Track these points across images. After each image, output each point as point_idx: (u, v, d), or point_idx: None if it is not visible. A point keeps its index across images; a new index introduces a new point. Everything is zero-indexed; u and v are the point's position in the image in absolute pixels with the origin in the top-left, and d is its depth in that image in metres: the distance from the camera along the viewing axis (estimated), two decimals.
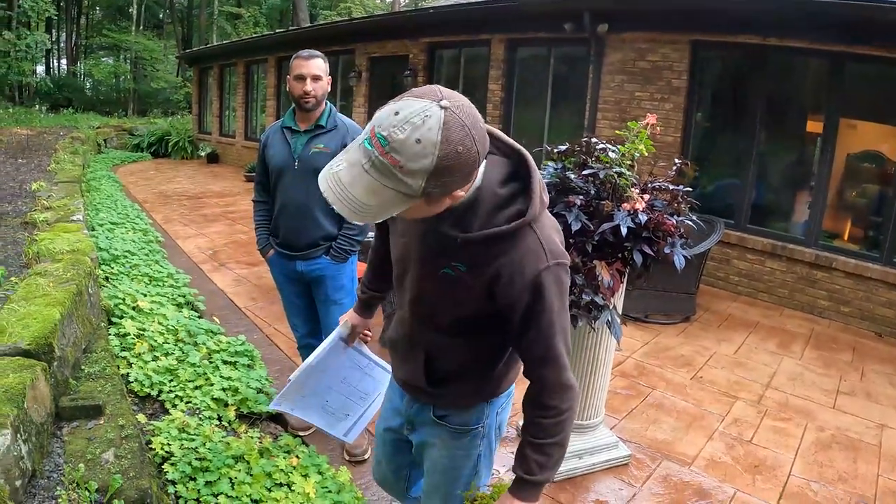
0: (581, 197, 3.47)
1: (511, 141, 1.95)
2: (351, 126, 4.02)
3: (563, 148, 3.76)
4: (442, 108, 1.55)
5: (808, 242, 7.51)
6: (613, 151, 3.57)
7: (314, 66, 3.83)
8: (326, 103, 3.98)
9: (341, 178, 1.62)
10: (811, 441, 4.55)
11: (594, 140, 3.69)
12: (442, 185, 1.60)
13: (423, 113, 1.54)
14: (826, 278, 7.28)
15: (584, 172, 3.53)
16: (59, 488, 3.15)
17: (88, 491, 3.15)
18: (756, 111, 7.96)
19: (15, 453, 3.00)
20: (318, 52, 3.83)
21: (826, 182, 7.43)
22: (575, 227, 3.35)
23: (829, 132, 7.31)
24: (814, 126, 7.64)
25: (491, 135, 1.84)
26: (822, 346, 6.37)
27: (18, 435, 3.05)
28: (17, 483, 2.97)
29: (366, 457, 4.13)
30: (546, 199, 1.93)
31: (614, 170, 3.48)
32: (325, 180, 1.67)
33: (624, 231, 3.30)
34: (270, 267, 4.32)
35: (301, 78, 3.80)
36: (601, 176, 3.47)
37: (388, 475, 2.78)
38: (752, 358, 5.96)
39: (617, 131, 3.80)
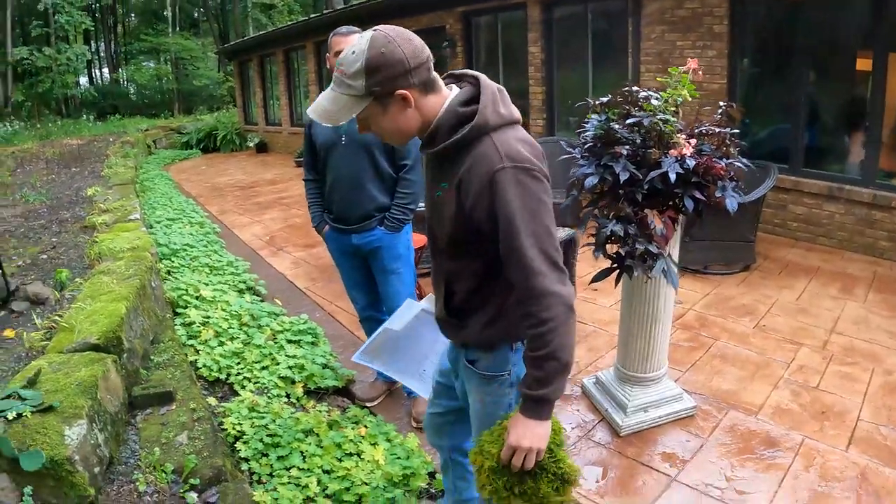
0: (627, 147, 3.42)
1: (478, 73, 2.16)
2: None
3: (605, 99, 3.69)
4: (373, 31, 1.99)
5: (865, 182, 7.26)
6: (656, 99, 3.52)
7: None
8: None
9: (318, 99, 2.09)
10: (879, 385, 4.44)
11: (636, 89, 3.63)
12: (378, 83, 1.96)
13: (362, 38, 1.99)
14: (886, 218, 7.04)
15: (628, 121, 3.49)
16: (136, 472, 3.26)
17: (165, 472, 3.26)
18: (802, 52, 7.72)
19: (92, 442, 3.10)
20: (355, 28, 3.83)
21: (880, 120, 7.16)
22: (623, 176, 3.31)
23: (879, 68, 7.04)
24: (863, 63, 7.37)
25: (465, 74, 2.17)
26: (885, 289, 6.18)
27: (94, 424, 3.16)
28: (96, 470, 3.07)
29: None
30: (506, 113, 2.07)
31: (658, 117, 3.42)
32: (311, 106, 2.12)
33: (672, 177, 3.25)
34: (326, 242, 4.37)
35: (340, 54, 3.81)
36: (645, 124, 3.42)
37: (432, 423, 2.87)
38: (814, 304, 5.82)
39: (658, 78, 3.75)
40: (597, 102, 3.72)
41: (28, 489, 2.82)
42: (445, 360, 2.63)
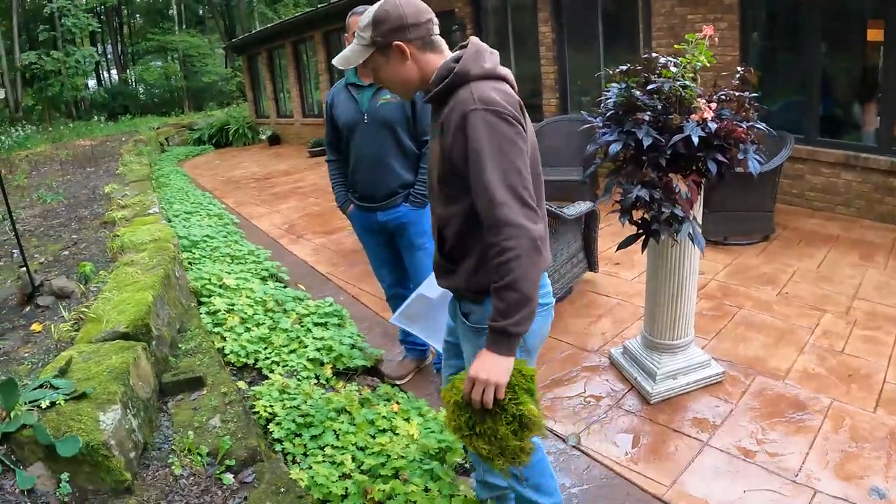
0: (648, 113, 3.43)
1: (472, 38, 2.35)
2: None
3: (624, 68, 3.70)
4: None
5: (881, 150, 7.18)
6: (675, 65, 3.53)
7: None
8: None
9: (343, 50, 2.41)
10: None
11: (655, 55, 3.64)
12: (381, 35, 2.25)
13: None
14: None
15: (649, 88, 3.49)
16: (171, 456, 3.27)
17: (200, 455, 3.27)
18: (814, 23, 7.63)
19: (126, 427, 3.12)
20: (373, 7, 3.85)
21: (894, 87, 7.08)
22: (647, 142, 3.32)
23: (892, 35, 6.96)
24: (874, 34, 7.30)
25: (468, 41, 2.32)
26: None
27: (127, 410, 3.18)
28: (131, 455, 3.09)
29: None
30: (489, 66, 2.22)
31: (678, 82, 3.44)
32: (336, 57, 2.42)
33: (695, 140, 3.26)
34: (352, 222, 4.38)
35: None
36: (666, 89, 3.43)
37: (443, 381, 2.89)
38: (835, 271, 5.82)
39: (676, 45, 3.74)
40: (616, 71, 3.70)
41: (65, 475, 2.84)
42: (450, 318, 2.72)
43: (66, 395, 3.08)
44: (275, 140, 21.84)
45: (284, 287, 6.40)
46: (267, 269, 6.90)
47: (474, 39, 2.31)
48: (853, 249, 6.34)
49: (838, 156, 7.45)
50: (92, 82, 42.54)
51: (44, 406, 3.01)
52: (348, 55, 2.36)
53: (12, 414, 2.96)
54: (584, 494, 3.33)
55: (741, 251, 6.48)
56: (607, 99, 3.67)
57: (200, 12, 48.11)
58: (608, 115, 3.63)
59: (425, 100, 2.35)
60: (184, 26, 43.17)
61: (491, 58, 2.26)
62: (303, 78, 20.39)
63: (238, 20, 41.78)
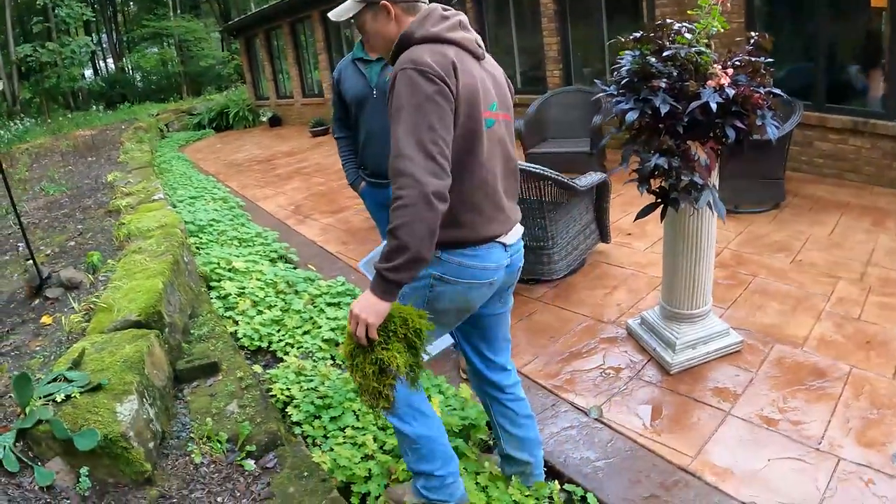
0: (664, 80, 3.35)
1: (433, 5, 2.50)
2: None
3: (637, 35, 3.60)
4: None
5: (889, 115, 7.04)
6: (689, 31, 3.45)
7: None
8: None
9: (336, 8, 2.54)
10: None
11: (669, 21, 3.56)
12: None
13: None
14: None
15: (665, 54, 3.40)
16: (190, 444, 3.24)
17: (220, 442, 3.24)
18: None
19: (144, 416, 3.09)
20: None
21: None
22: (664, 109, 3.24)
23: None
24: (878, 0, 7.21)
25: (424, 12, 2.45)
26: None
27: (144, 399, 3.14)
28: (150, 445, 3.06)
29: None
30: (433, 29, 2.34)
31: (693, 49, 3.36)
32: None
33: (713, 107, 3.18)
34: (363, 199, 4.33)
35: None
36: (682, 55, 3.35)
37: None
38: (847, 238, 5.75)
39: (689, 11, 3.66)
40: (629, 38, 3.62)
41: (84, 469, 2.81)
42: None
43: (81, 387, 3.05)
44: (275, 121, 21.77)
45: (294, 268, 6.36)
46: (276, 251, 6.86)
47: (431, 5, 2.48)
48: (864, 216, 6.27)
49: (846, 122, 7.34)
50: (88, 72, 42.32)
51: (59, 400, 2.97)
52: (339, 10, 2.52)
53: (27, 409, 2.92)
54: (610, 467, 3.30)
55: (753, 219, 6.41)
56: (621, 67, 3.58)
57: None
58: (623, 82, 3.54)
59: (387, 61, 2.61)
60: (178, 11, 42.93)
61: (442, 22, 2.39)
62: (301, 58, 20.26)
63: (233, 2, 41.49)
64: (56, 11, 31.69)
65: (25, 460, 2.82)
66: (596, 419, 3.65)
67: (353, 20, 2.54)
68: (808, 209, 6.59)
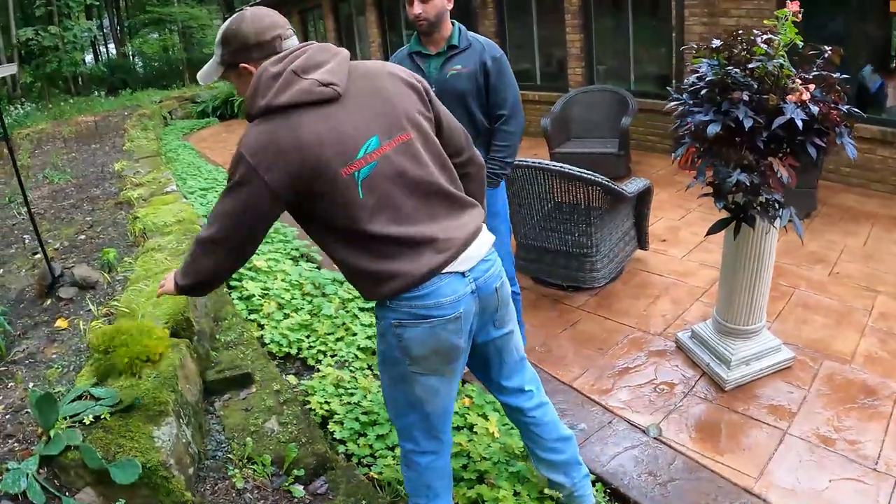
0: (746, 92, 3.20)
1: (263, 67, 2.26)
2: (487, 44, 3.76)
3: (717, 43, 3.43)
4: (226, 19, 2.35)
5: None
6: (766, 42, 3.29)
7: None
8: (454, 23, 3.73)
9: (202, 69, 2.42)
10: None
11: (756, 31, 3.39)
12: (228, 54, 2.24)
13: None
14: None
15: (750, 66, 3.26)
16: (228, 467, 3.03)
17: (263, 465, 3.02)
18: None
19: (183, 440, 2.88)
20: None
21: None
22: (747, 123, 3.10)
23: None
24: None
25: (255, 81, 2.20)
26: None
27: (181, 420, 2.93)
28: (190, 471, 2.87)
29: None
30: (262, 102, 2.11)
31: (776, 61, 3.23)
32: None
33: (799, 124, 3.05)
34: None
35: (410, 1, 3.56)
36: (769, 68, 3.22)
37: None
38: (880, 249, 5.71)
39: (766, 20, 3.48)
40: (709, 46, 3.46)
41: (121, 502, 2.57)
42: None
43: (111, 406, 2.80)
44: None
45: (318, 268, 6.11)
46: (297, 249, 6.60)
47: (262, 66, 2.18)
48: (894, 227, 6.22)
49: (875, 132, 7.23)
50: (88, 57, 42.08)
51: (87, 422, 2.74)
52: (207, 70, 2.39)
53: (52, 433, 2.66)
54: (676, 489, 3.21)
55: (786, 228, 6.25)
56: (701, 76, 3.43)
57: None
58: (702, 93, 3.38)
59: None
60: None
61: (270, 87, 2.13)
62: None
63: None
64: None
65: (52, 490, 2.56)
66: (655, 438, 3.55)
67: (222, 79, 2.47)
68: (839, 219, 6.52)
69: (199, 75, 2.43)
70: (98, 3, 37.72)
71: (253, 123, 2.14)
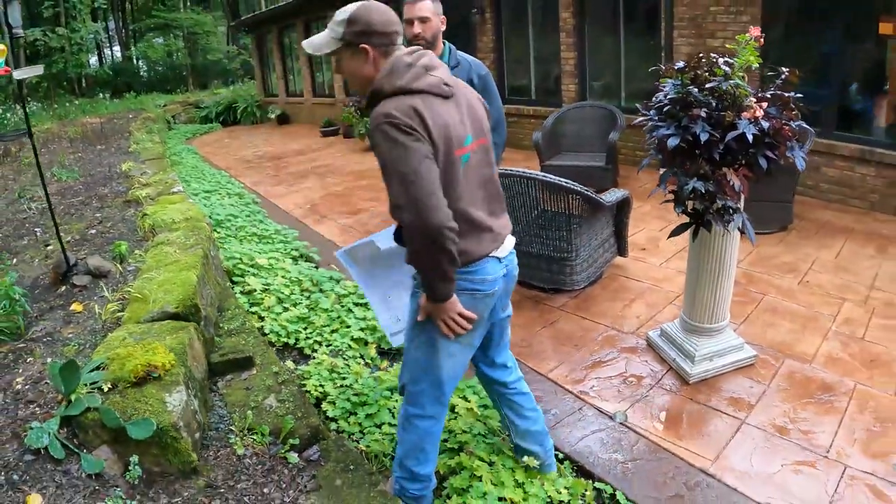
0: (704, 109, 3.53)
1: (397, 56, 2.64)
2: (474, 63, 4.09)
3: (681, 65, 3.80)
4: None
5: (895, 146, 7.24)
6: (727, 64, 3.64)
7: (420, 9, 3.96)
8: (445, 43, 4.05)
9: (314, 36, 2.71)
10: None
11: (714, 55, 3.74)
12: (351, 33, 2.54)
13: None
14: None
15: (707, 86, 3.59)
16: (230, 436, 3.32)
17: (262, 434, 3.32)
18: (833, 17, 7.65)
19: (192, 407, 3.18)
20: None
21: None
22: (703, 137, 3.44)
23: None
24: (885, 28, 7.16)
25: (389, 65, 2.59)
26: None
27: (189, 390, 3.22)
28: (196, 435, 3.16)
29: None
30: (400, 82, 2.50)
31: (732, 82, 3.55)
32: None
33: (750, 138, 3.38)
34: None
35: (409, 22, 3.90)
36: (723, 88, 3.54)
37: None
38: (853, 262, 5.93)
39: (727, 45, 3.83)
40: (674, 68, 3.81)
41: (134, 458, 2.87)
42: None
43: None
44: (284, 119, 21.83)
45: (317, 268, 6.42)
46: (297, 249, 6.92)
47: (396, 56, 2.59)
48: (869, 242, 6.43)
49: (853, 149, 7.47)
50: (93, 59, 42.23)
51: (105, 389, 3.04)
52: (318, 42, 2.65)
53: (73, 397, 2.97)
54: (637, 468, 3.48)
55: (762, 240, 6.52)
56: (665, 94, 3.77)
57: None
58: (665, 109, 3.73)
59: (363, 106, 2.67)
60: (188, 3, 42.88)
61: (406, 73, 2.53)
62: (314, 57, 20.23)
63: None
64: None
65: (71, 447, 2.87)
66: (621, 423, 3.83)
67: (331, 55, 2.68)
68: (815, 232, 6.75)
69: (307, 43, 2.68)
70: (105, 5, 37.75)
71: (387, 99, 2.47)
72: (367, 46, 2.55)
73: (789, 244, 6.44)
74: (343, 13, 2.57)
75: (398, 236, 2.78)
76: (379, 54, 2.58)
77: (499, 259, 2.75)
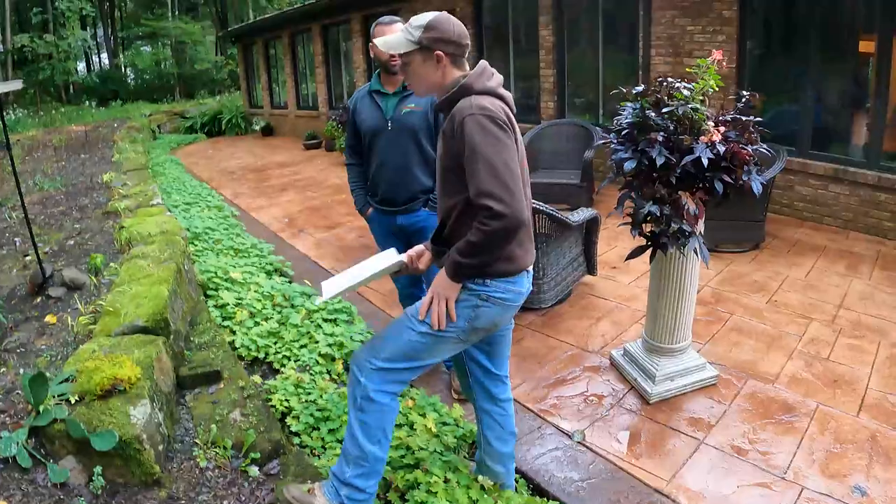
0: (661, 133, 3.62)
1: (482, 61, 2.86)
2: None
3: (640, 89, 3.90)
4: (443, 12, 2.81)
5: (869, 165, 7.37)
6: (687, 89, 3.71)
7: (394, 31, 4.01)
8: None
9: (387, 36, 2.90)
10: (885, 357, 4.65)
11: (670, 79, 3.82)
12: (428, 38, 2.68)
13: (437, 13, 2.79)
14: (890, 199, 7.16)
15: (664, 110, 3.68)
16: (195, 449, 3.39)
17: (224, 448, 3.39)
18: (809, 37, 7.81)
19: (155, 420, 3.24)
20: (397, 18, 3.99)
21: (884, 103, 7.26)
22: (660, 161, 3.52)
23: (883, 51, 7.13)
24: (866, 46, 7.45)
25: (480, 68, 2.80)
26: (889, 267, 6.36)
27: (154, 404, 3.29)
28: (160, 448, 3.22)
29: None
30: (490, 84, 2.71)
31: (690, 106, 3.63)
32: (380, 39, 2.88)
33: (705, 162, 3.46)
34: (370, 224, 4.50)
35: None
36: (679, 112, 3.62)
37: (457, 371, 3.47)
38: (822, 280, 6.02)
39: (688, 68, 3.91)
40: (633, 92, 3.91)
41: (98, 469, 2.95)
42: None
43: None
44: (268, 131, 21.87)
45: (290, 282, 6.50)
46: (271, 264, 6.99)
47: (483, 62, 2.82)
48: (840, 260, 6.55)
49: (828, 168, 7.63)
50: (80, 66, 42.21)
51: (73, 401, 3.11)
52: (392, 41, 2.79)
53: (41, 408, 3.04)
54: (591, 487, 3.52)
55: (733, 258, 6.65)
56: (623, 118, 3.87)
57: None
58: (623, 133, 3.82)
59: (436, 106, 2.95)
60: (176, 12, 42.90)
61: (493, 78, 2.76)
62: (298, 70, 20.41)
63: (231, 7, 41.53)
64: (56, 3, 31.61)
65: (38, 457, 2.96)
66: (579, 442, 3.88)
67: (401, 56, 2.83)
68: (787, 251, 6.86)
69: (382, 41, 2.85)
70: (93, 13, 37.75)
71: (475, 96, 2.63)
72: (441, 53, 2.70)
73: (761, 262, 6.55)
74: (422, 19, 2.73)
75: (437, 237, 2.94)
76: (449, 62, 2.74)
77: (528, 272, 2.89)
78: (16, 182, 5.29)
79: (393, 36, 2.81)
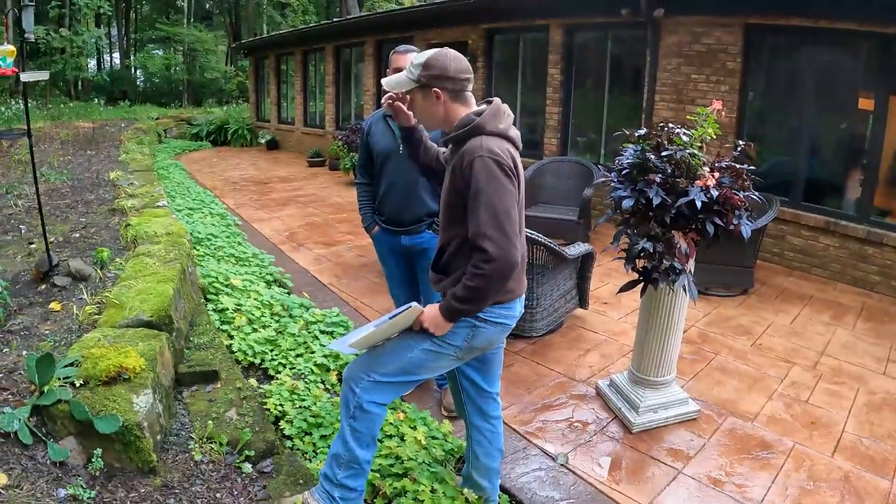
0: (659, 175, 3.81)
1: (496, 98, 2.94)
2: None
3: (642, 132, 4.10)
4: (442, 48, 2.90)
5: (859, 219, 7.56)
6: (686, 135, 3.92)
7: (408, 60, 4.17)
8: None
9: (391, 76, 3.00)
10: (863, 403, 4.80)
11: (671, 125, 4.02)
12: (426, 77, 2.82)
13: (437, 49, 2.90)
14: (877, 254, 7.34)
15: (663, 153, 3.87)
16: (190, 443, 3.50)
17: (220, 444, 3.51)
18: (808, 92, 8.04)
19: (156, 411, 3.37)
20: (413, 47, 4.16)
21: (877, 159, 7.47)
22: (656, 201, 3.71)
23: (880, 110, 7.36)
24: (865, 104, 7.64)
25: (492, 99, 2.93)
26: (873, 318, 6.53)
27: (155, 395, 3.41)
28: (158, 437, 3.35)
29: None
30: (501, 126, 2.81)
31: (688, 151, 3.83)
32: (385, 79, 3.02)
33: (699, 205, 3.65)
34: (375, 242, 4.65)
35: (398, 71, 4.12)
36: (678, 156, 3.82)
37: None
38: (807, 328, 6.17)
39: (689, 116, 4.10)
40: (636, 134, 4.10)
41: (98, 451, 3.06)
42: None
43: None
44: (273, 145, 21.94)
45: (288, 293, 6.60)
46: (271, 274, 7.10)
47: (496, 101, 2.91)
48: (826, 309, 6.70)
49: (819, 220, 7.81)
50: (92, 63, 42.30)
51: (77, 384, 3.22)
52: (396, 81, 2.94)
53: (45, 388, 3.15)
54: None
55: (721, 302, 6.81)
56: (624, 159, 4.05)
57: (207, 6, 47.95)
58: (624, 172, 4.01)
59: (443, 140, 2.99)
60: (191, 19, 43.12)
61: (505, 119, 2.87)
62: (308, 87, 20.52)
63: (245, 19, 41.78)
64: None
65: (39, 435, 3.06)
66: (562, 465, 4.02)
67: (405, 94, 3.02)
68: (774, 298, 7.02)
69: (387, 81, 2.99)
70: (109, 12, 37.86)
71: (486, 135, 2.75)
72: (438, 90, 2.84)
73: (748, 307, 6.70)
74: (421, 57, 2.85)
75: (436, 263, 3.04)
76: (448, 98, 2.87)
77: (521, 298, 3.06)
78: (33, 170, 5.39)
79: (396, 76, 2.96)
